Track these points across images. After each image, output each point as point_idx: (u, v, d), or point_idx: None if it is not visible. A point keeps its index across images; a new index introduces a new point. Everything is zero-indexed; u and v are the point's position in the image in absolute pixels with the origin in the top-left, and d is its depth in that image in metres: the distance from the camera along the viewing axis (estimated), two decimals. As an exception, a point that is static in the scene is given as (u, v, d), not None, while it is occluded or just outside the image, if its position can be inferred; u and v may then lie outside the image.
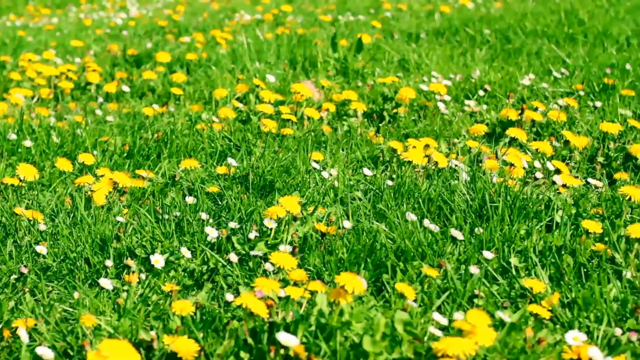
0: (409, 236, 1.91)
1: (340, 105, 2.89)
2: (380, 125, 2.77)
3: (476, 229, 1.93)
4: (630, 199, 1.98)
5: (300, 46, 3.50)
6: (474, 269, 1.76)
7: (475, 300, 1.71)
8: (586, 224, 1.89)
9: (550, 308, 1.68)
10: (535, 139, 2.56)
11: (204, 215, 2.02)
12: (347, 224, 1.99)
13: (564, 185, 2.12)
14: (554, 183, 2.12)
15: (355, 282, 1.58)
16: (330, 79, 3.19)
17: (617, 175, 2.28)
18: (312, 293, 1.67)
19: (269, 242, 1.92)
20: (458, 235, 1.91)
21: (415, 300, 1.72)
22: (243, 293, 1.66)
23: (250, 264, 1.88)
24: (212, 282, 1.87)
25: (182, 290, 1.84)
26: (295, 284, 1.75)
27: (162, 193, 2.26)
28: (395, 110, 2.82)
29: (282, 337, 1.53)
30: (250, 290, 1.73)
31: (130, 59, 3.70)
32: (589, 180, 2.22)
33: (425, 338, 1.57)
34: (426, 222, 1.95)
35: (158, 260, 1.87)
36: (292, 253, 1.88)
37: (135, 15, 5.37)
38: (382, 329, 1.56)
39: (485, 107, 2.82)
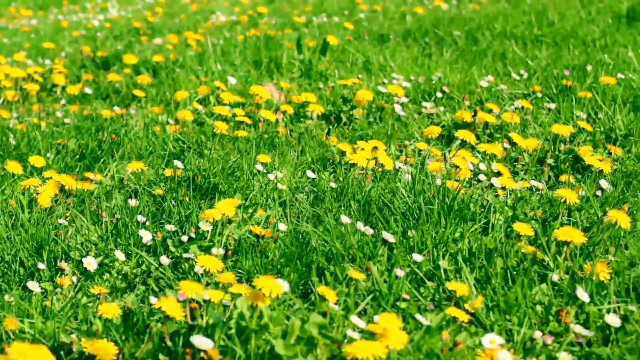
0: (340, 239, 1.92)
1: (299, 107, 2.90)
2: (335, 127, 2.78)
3: (409, 232, 1.94)
4: (565, 201, 1.99)
5: (267, 48, 3.51)
6: (399, 272, 1.77)
7: (398, 303, 1.72)
8: (517, 226, 1.89)
9: (473, 311, 1.69)
10: (488, 141, 2.56)
11: (140, 218, 2.04)
12: (283, 227, 2.00)
13: (503, 188, 2.13)
14: (491, 185, 2.13)
15: (273, 285, 1.58)
16: (293, 80, 3.19)
17: (563, 177, 2.28)
18: (235, 296, 1.68)
19: (202, 245, 1.94)
20: (390, 238, 1.91)
21: (338, 303, 1.73)
22: (165, 296, 1.67)
23: (183, 266, 1.89)
24: (144, 285, 1.88)
25: (114, 293, 1.85)
26: (223, 287, 1.76)
27: (108, 195, 2.27)
28: (351, 112, 2.83)
29: (197, 340, 1.54)
30: (175, 293, 1.74)
31: (99, 60, 3.72)
32: (533, 182, 2.22)
33: (345, 341, 1.58)
34: (359, 224, 1.96)
35: (90, 263, 1.89)
36: (225, 256, 1.90)
37: (113, 16, 5.38)
38: (297, 332, 1.57)
39: (442, 109, 2.82)
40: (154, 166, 2.45)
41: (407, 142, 2.54)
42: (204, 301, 1.69)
